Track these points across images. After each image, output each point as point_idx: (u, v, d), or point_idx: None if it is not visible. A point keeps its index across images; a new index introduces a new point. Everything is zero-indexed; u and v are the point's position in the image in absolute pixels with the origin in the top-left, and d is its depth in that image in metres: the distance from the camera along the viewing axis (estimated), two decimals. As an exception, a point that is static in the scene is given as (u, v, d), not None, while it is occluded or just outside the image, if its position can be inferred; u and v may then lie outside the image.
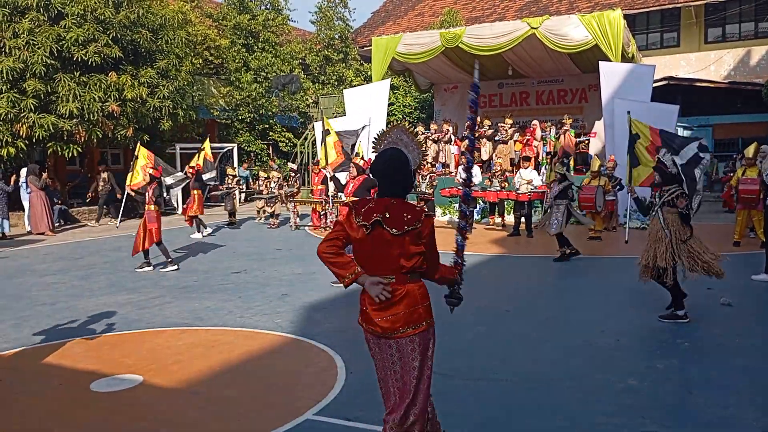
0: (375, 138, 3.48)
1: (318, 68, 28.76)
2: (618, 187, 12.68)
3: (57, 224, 15.97)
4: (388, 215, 3.08)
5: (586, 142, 17.38)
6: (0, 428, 4.19)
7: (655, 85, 15.39)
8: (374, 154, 3.41)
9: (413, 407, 3.08)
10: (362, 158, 8.97)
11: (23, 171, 15.43)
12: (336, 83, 28.00)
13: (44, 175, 15.59)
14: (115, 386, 4.87)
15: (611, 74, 14.74)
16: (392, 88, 22.26)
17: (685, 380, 4.85)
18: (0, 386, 4.94)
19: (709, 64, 23.04)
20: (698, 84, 21.63)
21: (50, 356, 5.64)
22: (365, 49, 24.67)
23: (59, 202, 16.91)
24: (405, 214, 3.07)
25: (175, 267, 9.87)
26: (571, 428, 4.03)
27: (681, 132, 21.48)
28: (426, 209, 3.18)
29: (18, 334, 6.37)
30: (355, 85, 22.86)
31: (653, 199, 6.75)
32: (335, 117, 21.78)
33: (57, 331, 6.46)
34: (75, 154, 16.47)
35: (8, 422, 4.27)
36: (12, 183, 14.39)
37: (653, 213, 6.61)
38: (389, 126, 3.43)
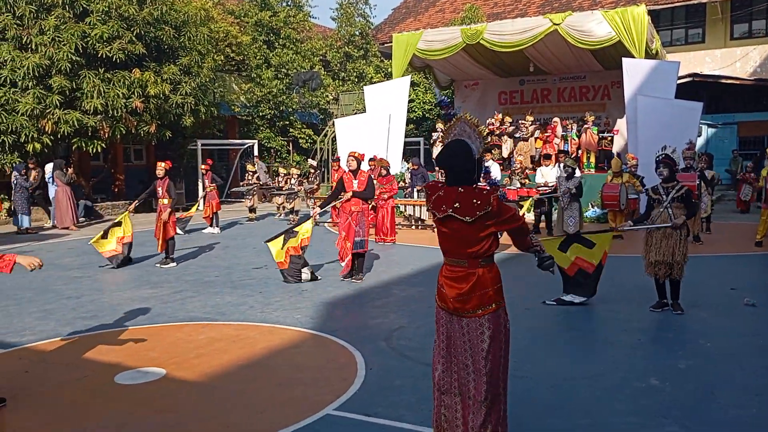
0: (441, 132, 3.70)
1: (338, 65, 28.83)
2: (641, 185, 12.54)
3: (81, 219, 16.22)
4: (458, 205, 3.24)
5: (609, 139, 17.22)
6: (26, 419, 4.28)
7: (679, 82, 15.20)
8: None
9: (490, 387, 3.25)
10: (357, 152, 8.82)
11: (48, 167, 15.69)
12: (356, 80, 28.04)
13: (70, 170, 15.84)
14: (139, 379, 4.95)
15: (634, 71, 14.58)
16: (412, 84, 22.24)
17: (707, 381, 4.80)
18: (26, 377, 5.04)
19: (735, 61, 22.70)
20: (723, 81, 21.31)
21: (75, 349, 5.74)
22: (386, 45, 24.71)
23: (86, 196, 17.18)
24: (474, 200, 3.22)
25: (175, 264, 9.96)
26: (590, 427, 4.02)
27: (705, 129, 21.23)
28: (490, 189, 3.34)
29: (44, 327, 6.49)
30: (375, 82, 22.87)
31: (657, 195, 6.72)
32: (355, 113, 21.85)
33: (82, 324, 6.57)
34: (99, 150, 16.72)
35: (34, 413, 4.37)
36: (32, 179, 14.54)
37: (661, 209, 6.62)
38: (452, 120, 3.57)
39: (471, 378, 3.27)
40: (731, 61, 22.73)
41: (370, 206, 9.43)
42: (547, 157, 13.89)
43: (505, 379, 3.39)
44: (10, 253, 4.30)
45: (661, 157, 6.71)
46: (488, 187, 3.32)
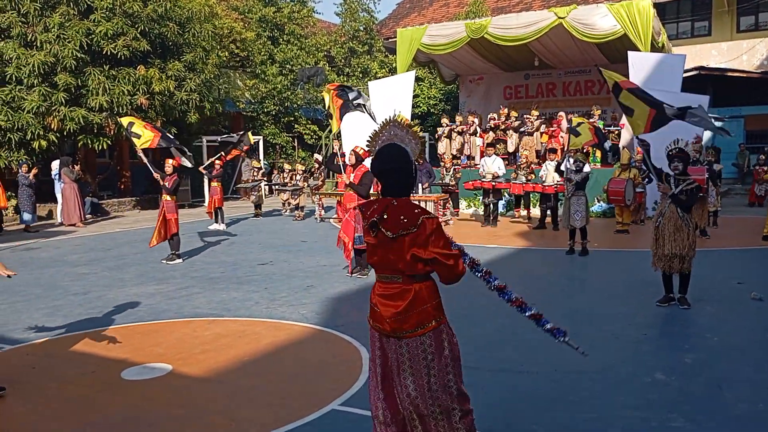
0: (369, 138, 3.33)
1: (343, 60, 28.77)
2: (647, 179, 12.49)
3: (88, 216, 16.28)
4: (386, 216, 2.98)
5: (616, 132, 17.13)
6: (33, 414, 4.31)
7: (685, 75, 15.11)
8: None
9: (436, 401, 3.02)
10: (362, 148, 8.81)
11: (54, 164, 15.72)
12: (361, 75, 27.98)
13: (77, 167, 15.90)
14: (145, 374, 4.98)
15: (640, 64, 14.50)
16: (417, 79, 22.18)
17: (714, 375, 4.79)
18: (33, 373, 5.07)
19: (742, 54, 22.54)
20: (730, 74, 21.17)
21: (82, 344, 5.77)
22: (390, 40, 24.61)
23: (92, 193, 17.24)
24: (402, 217, 2.95)
25: (180, 260, 9.98)
26: (597, 421, 4.02)
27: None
28: (426, 210, 3.02)
29: (51, 323, 6.53)
30: (379, 77, 22.83)
31: (666, 185, 6.66)
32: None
33: (89, 320, 6.60)
34: (105, 147, 16.77)
35: (41, 408, 4.39)
36: (32, 176, 14.35)
37: (668, 202, 6.58)
38: (382, 123, 3.30)
39: (409, 397, 3.03)
40: (738, 54, 22.57)
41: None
42: (553, 151, 13.84)
43: (461, 394, 3.11)
44: None
45: (674, 151, 6.62)
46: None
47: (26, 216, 14.22)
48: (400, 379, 3.05)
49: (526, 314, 3.27)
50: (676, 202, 6.54)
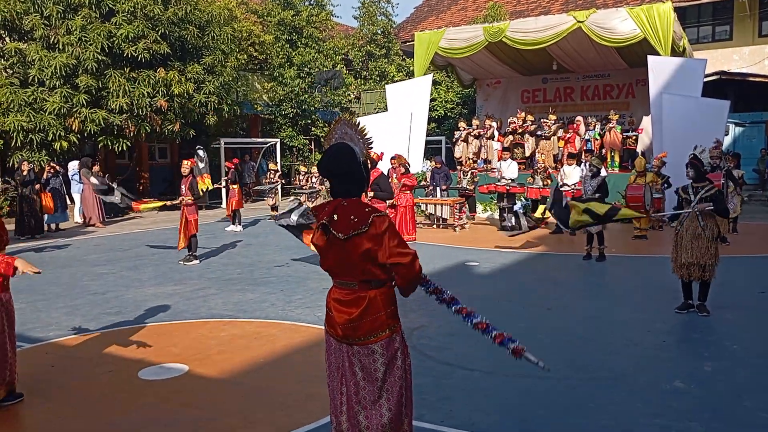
0: (323, 137, 3.44)
1: (360, 63, 28.83)
2: (665, 185, 12.36)
3: (107, 216, 16.44)
4: (336, 218, 2.91)
5: (634, 137, 16.99)
6: (51, 413, 4.35)
7: (706, 80, 14.96)
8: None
9: (391, 423, 2.95)
10: (374, 152, 8.85)
11: (71, 164, 15.86)
12: (378, 78, 28.01)
13: (96, 168, 16.06)
14: (162, 374, 5.01)
15: (660, 69, 14.38)
16: (434, 83, 22.16)
17: (734, 384, 4.72)
18: (53, 372, 5.13)
19: (764, 58, 22.26)
20: (751, 79, 20.91)
21: (100, 344, 5.82)
22: (408, 44, 24.66)
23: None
24: (352, 217, 2.87)
25: (198, 261, 10.02)
26: (614, 428, 3.97)
27: (732, 128, 20.87)
28: (376, 209, 2.96)
29: (70, 322, 6.60)
30: (397, 81, 22.85)
31: (686, 195, 6.62)
32: (377, 112, 21.85)
33: (107, 320, 6.66)
34: (124, 148, 16.95)
35: (59, 407, 4.44)
36: (44, 176, 14.21)
37: (689, 209, 6.51)
38: (334, 121, 3.29)
39: (361, 408, 2.95)
40: (759, 58, 22.29)
41: (389, 204, 9.46)
42: (572, 156, 13.74)
43: (410, 414, 3.07)
44: (11, 256, 4.38)
45: (689, 158, 6.65)
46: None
47: (54, 215, 14.30)
48: (354, 389, 2.97)
49: (492, 335, 3.30)
50: (718, 213, 6.49)
